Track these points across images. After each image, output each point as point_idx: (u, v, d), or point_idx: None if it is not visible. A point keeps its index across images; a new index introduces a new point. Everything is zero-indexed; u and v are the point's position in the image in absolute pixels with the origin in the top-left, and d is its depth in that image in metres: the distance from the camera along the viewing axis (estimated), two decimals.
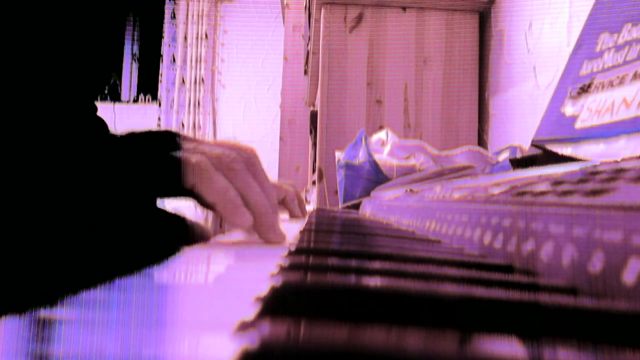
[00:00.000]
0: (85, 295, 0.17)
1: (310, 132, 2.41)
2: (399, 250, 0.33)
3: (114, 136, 0.45)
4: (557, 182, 0.30)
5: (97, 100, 0.55)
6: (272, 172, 3.55)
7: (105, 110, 3.87)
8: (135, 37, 4.38)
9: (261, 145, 3.97)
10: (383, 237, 0.44)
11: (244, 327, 0.14)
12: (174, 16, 4.18)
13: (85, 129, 0.49)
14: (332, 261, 0.27)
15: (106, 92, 4.19)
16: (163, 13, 4.19)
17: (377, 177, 1.19)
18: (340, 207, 1.28)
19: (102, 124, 0.52)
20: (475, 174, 0.90)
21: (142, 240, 0.42)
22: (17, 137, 0.38)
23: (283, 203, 0.76)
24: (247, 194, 0.40)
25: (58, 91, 0.47)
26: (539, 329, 0.15)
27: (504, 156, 1.01)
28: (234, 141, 0.44)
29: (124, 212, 0.39)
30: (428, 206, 0.51)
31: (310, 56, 2.10)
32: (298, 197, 0.82)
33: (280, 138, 3.44)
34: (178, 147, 0.41)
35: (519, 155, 0.81)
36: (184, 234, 0.48)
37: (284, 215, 0.77)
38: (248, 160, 0.42)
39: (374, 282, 0.21)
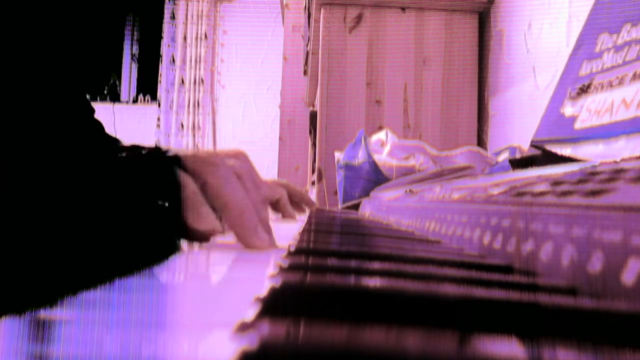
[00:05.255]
0: (85, 296, 0.17)
1: (310, 132, 2.41)
2: (399, 250, 0.33)
3: (110, 137, 0.45)
4: (556, 182, 0.30)
5: (95, 100, 0.55)
6: (271, 172, 3.55)
7: (104, 110, 3.87)
8: (135, 37, 4.37)
9: (261, 145, 3.97)
10: (382, 238, 0.44)
11: (244, 327, 0.14)
12: (173, 16, 4.17)
13: (81, 130, 0.49)
14: (332, 262, 0.27)
15: (105, 92, 4.19)
16: (163, 13, 4.19)
17: (376, 177, 1.19)
18: (339, 207, 1.28)
19: (98, 125, 0.52)
20: (475, 174, 0.90)
21: (142, 240, 0.42)
22: (13, 137, 0.38)
23: (277, 205, 0.74)
24: (220, 191, 0.35)
25: (55, 92, 0.47)
26: (539, 330, 0.15)
27: (504, 156, 1.01)
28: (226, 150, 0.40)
29: (123, 211, 0.39)
30: (427, 206, 0.51)
31: (310, 56, 2.10)
32: (297, 192, 0.81)
33: (280, 138, 3.44)
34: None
35: (518, 156, 0.81)
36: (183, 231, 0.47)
37: (276, 216, 0.76)
38: (235, 156, 0.38)
39: (374, 282, 0.21)
